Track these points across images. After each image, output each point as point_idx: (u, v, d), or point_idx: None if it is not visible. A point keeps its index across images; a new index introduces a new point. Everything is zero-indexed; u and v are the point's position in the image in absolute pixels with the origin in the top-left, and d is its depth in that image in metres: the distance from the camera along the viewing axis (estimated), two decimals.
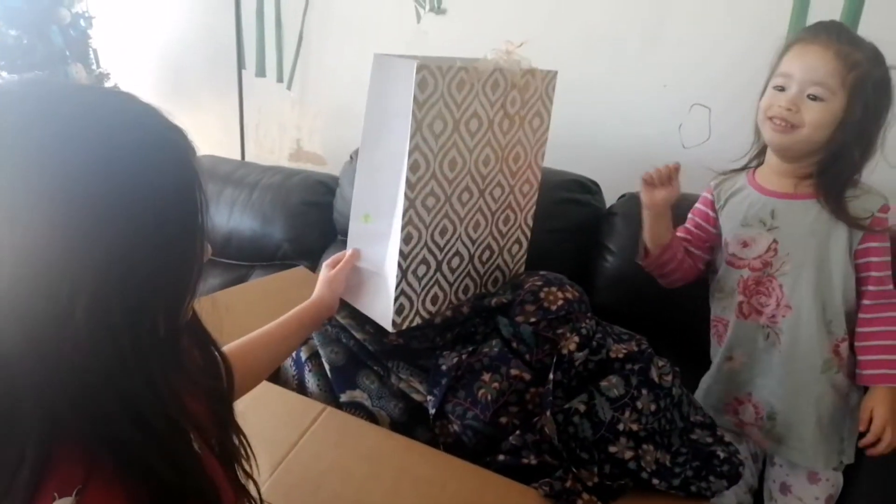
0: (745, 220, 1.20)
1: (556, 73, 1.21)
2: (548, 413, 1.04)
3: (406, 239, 1.09)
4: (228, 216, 1.86)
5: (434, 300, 1.18)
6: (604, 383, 1.08)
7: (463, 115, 1.08)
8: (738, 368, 1.25)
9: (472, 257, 1.22)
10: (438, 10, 1.94)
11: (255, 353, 1.02)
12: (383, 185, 1.09)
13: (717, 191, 1.27)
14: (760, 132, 1.19)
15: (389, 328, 1.14)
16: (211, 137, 2.57)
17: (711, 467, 1.08)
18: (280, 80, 2.34)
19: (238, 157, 2.50)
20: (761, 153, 1.24)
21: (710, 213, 1.28)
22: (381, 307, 1.14)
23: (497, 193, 1.21)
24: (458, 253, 1.19)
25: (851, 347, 1.18)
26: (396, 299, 1.12)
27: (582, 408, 1.05)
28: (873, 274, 1.14)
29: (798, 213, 1.16)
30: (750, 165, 1.26)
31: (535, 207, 1.29)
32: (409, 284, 1.13)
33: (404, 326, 1.15)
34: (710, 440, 1.13)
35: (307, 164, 2.38)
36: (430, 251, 1.14)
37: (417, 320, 1.16)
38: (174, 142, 0.61)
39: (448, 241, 1.16)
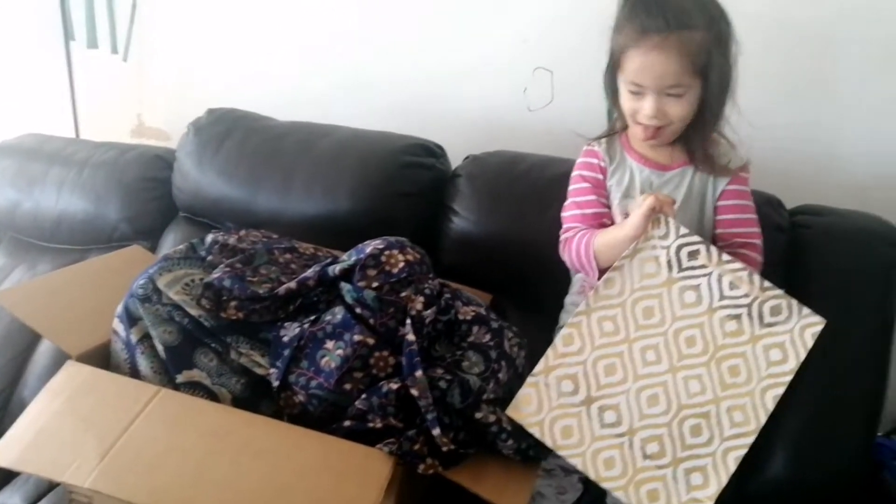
0: (627, 192, 1.18)
1: (822, 323, 1.01)
2: (418, 373, 1.04)
3: (565, 339, 1.05)
4: (57, 198, 1.71)
5: (564, 432, 1.03)
6: (465, 363, 1.10)
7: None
8: None
9: (631, 429, 1.02)
10: None
11: None
12: None
13: (606, 155, 1.20)
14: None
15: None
16: (42, 116, 2.36)
17: None
18: (115, 51, 2.16)
19: (72, 136, 2.32)
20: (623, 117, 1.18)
21: (601, 178, 1.20)
22: None
23: (693, 388, 1.03)
24: (615, 407, 1.04)
25: None
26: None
27: (448, 377, 1.07)
28: (728, 216, 1.17)
29: (675, 182, 1.16)
30: (615, 130, 1.22)
31: (742, 455, 1.00)
32: (547, 384, 1.05)
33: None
34: None
35: (151, 140, 2.24)
36: (584, 375, 1.05)
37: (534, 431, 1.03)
38: None
39: (610, 386, 1.04)
